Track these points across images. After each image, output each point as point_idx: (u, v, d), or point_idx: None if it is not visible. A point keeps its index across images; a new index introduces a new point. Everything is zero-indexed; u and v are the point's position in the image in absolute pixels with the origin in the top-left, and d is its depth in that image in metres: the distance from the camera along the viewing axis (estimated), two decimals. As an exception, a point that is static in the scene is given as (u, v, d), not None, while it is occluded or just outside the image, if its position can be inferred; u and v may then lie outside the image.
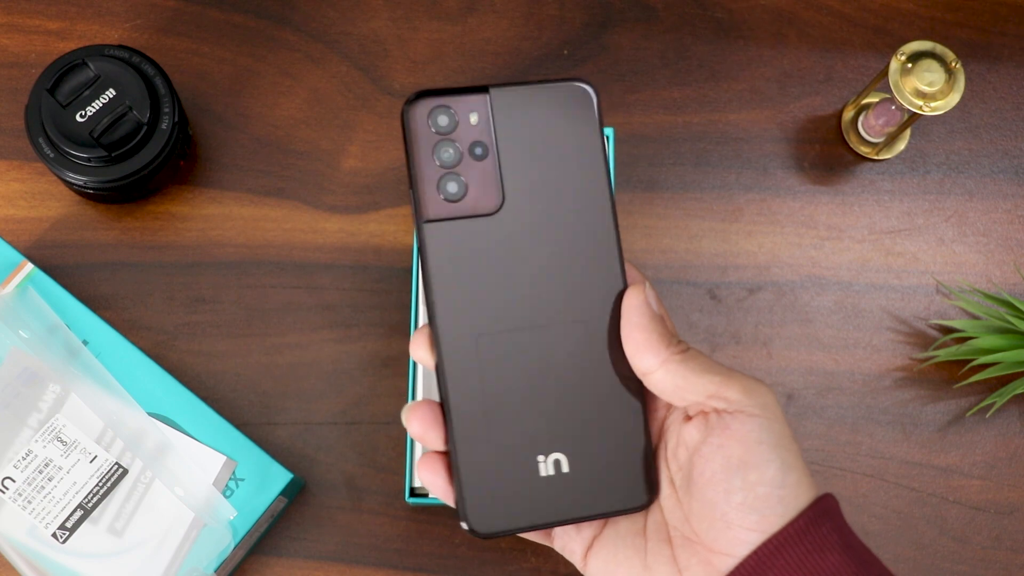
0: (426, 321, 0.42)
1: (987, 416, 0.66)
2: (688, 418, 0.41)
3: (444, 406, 0.41)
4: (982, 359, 0.64)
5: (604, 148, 0.43)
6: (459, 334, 0.41)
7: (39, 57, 0.67)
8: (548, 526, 0.41)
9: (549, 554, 0.63)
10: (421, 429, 0.41)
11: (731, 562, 0.39)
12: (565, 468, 0.41)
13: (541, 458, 0.41)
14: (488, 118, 0.42)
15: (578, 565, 0.43)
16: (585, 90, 0.43)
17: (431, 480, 0.41)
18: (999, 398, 0.65)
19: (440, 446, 0.41)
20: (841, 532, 0.40)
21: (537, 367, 0.42)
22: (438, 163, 0.42)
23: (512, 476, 0.41)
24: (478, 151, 0.42)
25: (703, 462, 0.40)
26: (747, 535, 0.39)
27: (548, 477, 0.41)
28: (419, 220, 0.41)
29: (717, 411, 0.40)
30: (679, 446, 0.41)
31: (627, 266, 0.44)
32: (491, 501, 0.41)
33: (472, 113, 0.42)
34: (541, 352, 0.42)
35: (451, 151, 0.42)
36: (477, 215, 0.42)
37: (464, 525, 0.41)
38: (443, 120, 0.42)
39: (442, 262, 0.41)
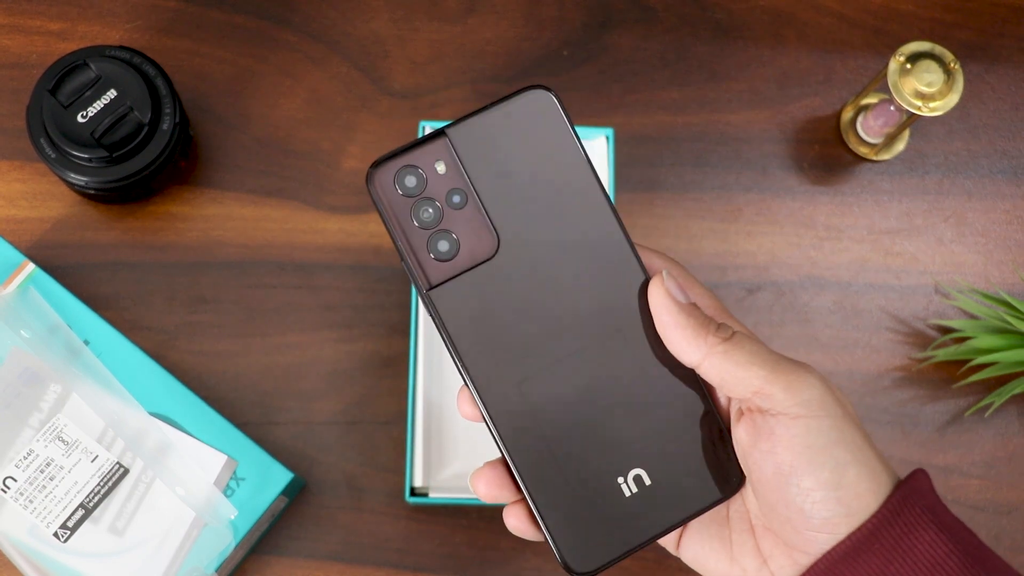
0: (462, 383, 0.41)
1: (986, 416, 0.66)
2: (740, 414, 0.40)
3: (507, 460, 0.40)
4: (981, 359, 0.64)
5: (582, 148, 0.41)
6: (500, 388, 0.40)
7: (40, 58, 0.67)
8: (648, 543, 0.40)
9: (550, 553, 0.63)
10: (489, 491, 0.40)
11: (809, 559, 0.39)
12: (647, 481, 0.40)
13: (621, 479, 0.40)
14: (455, 162, 0.40)
15: (673, 552, 0.43)
16: (544, 95, 0.40)
17: (522, 529, 0.41)
18: (998, 398, 0.65)
19: (514, 500, 0.41)
20: (934, 511, 0.38)
21: (588, 391, 0.40)
22: (420, 226, 0.40)
23: (598, 506, 0.40)
24: (456, 199, 0.40)
25: (757, 468, 0.39)
26: (816, 536, 0.38)
27: (634, 495, 0.40)
28: (421, 291, 0.40)
29: (762, 411, 0.38)
30: (736, 443, 0.40)
31: (645, 252, 0.42)
32: (586, 538, 0.40)
33: (437, 163, 0.40)
34: (587, 374, 0.40)
35: (430, 210, 0.40)
36: (477, 264, 0.40)
37: (565, 569, 0.40)
38: (410, 181, 0.39)
39: (459, 323, 0.40)
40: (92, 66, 0.61)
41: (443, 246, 0.40)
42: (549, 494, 0.40)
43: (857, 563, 0.38)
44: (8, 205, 0.65)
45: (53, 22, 0.68)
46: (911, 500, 0.38)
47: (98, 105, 0.61)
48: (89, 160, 0.61)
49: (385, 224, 0.40)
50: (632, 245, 0.41)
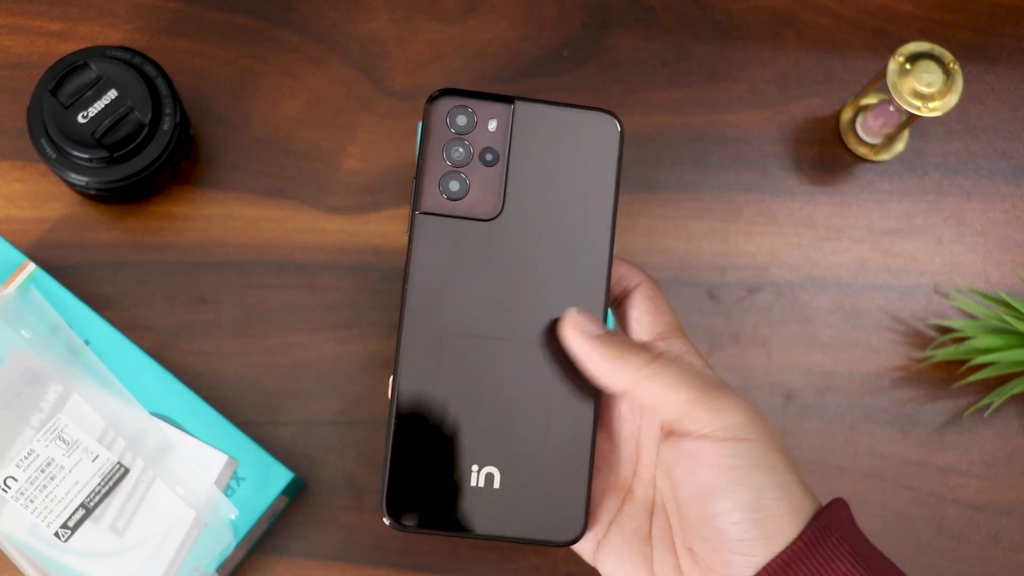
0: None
1: (985, 416, 0.67)
2: (668, 433, 0.41)
3: (392, 392, 0.41)
4: (980, 359, 0.64)
5: (618, 182, 0.43)
6: (424, 329, 0.41)
7: (41, 58, 0.67)
8: (466, 536, 0.41)
9: (550, 553, 0.63)
10: None
11: None
12: (496, 484, 0.41)
13: (476, 467, 0.41)
14: (507, 128, 0.42)
15: (589, 562, 0.43)
16: (611, 121, 0.43)
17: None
18: (997, 398, 0.65)
19: None
20: (852, 542, 0.39)
21: (493, 378, 0.41)
22: (446, 159, 0.42)
23: (441, 478, 0.41)
24: (488, 157, 0.42)
25: (679, 487, 0.40)
26: (734, 558, 0.38)
27: (477, 488, 0.41)
28: (414, 210, 0.42)
29: (688, 432, 0.39)
30: (659, 465, 0.41)
31: (624, 265, 0.44)
32: (413, 496, 0.41)
33: (492, 120, 0.42)
34: (501, 364, 0.42)
35: (461, 151, 0.42)
36: (472, 218, 0.42)
37: (381, 513, 0.41)
38: (462, 120, 0.42)
39: (426, 255, 0.42)
40: (93, 66, 0.61)
41: (453, 185, 0.42)
42: (408, 440, 0.41)
43: None
44: (9, 205, 0.65)
45: (54, 23, 0.68)
46: (828, 530, 0.39)
47: (99, 105, 0.61)
48: (90, 160, 0.61)
49: (420, 142, 0.42)
50: (608, 286, 0.42)
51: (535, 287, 0.42)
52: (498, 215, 0.42)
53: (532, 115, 0.43)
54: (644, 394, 0.40)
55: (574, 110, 0.43)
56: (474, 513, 0.41)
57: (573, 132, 0.43)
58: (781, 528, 0.38)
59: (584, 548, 0.43)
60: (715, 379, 0.40)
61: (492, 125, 0.42)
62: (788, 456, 0.40)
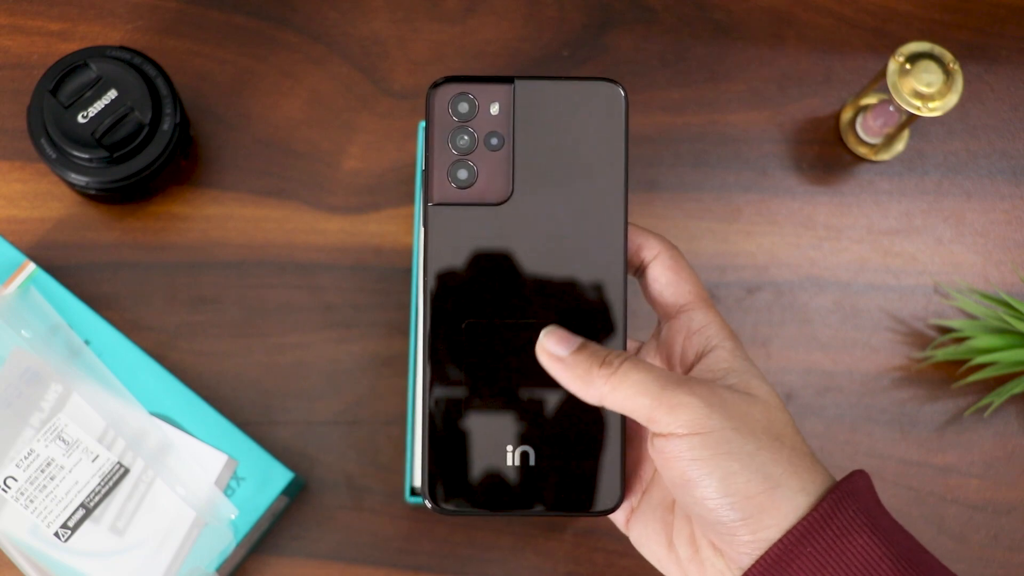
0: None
1: (985, 416, 0.67)
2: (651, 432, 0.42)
3: (423, 380, 0.42)
4: (980, 359, 0.64)
5: (626, 151, 0.42)
6: (448, 317, 0.42)
7: (41, 58, 0.67)
8: (506, 515, 0.42)
9: (550, 553, 0.63)
10: None
11: (732, 552, 0.40)
12: (531, 462, 0.42)
13: (509, 448, 0.42)
14: (509, 109, 0.42)
15: (622, 530, 0.44)
16: (614, 90, 0.42)
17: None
18: (997, 398, 0.65)
19: None
20: (870, 513, 0.39)
21: (518, 359, 0.42)
22: (452, 149, 0.42)
23: (479, 460, 0.42)
24: (493, 141, 0.42)
25: (666, 479, 0.41)
26: (731, 538, 0.39)
27: (513, 468, 0.42)
28: (426, 202, 0.42)
29: (656, 434, 0.40)
30: (652, 457, 0.42)
31: (644, 234, 0.44)
32: (454, 480, 0.42)
33: (494, 103, 0.42)
34: (524, 345, 0.42)
35: (466, 138, 0.42)
36: (484, 204, 0.42)
37: (422, 498, 0.41)
38: (463, 107, 0.42)
39: (442, 245, 0.42)
40: (93, 66, 0.61)
41: (462, 174, 0.42)
42: (444, 425, 0.42)
43: (790, 568, 0.38)
44: (9, 205, 0.65)
45: (54, 23, 0.68)
46: (845, 503, 0.39)
47: (99, 105, 0.61)
48: (90, 160, 0.61)
49: (426, 133, 0.43)
50: (626, 260, 0.43)
51: (552, 266, 0.42)
52: (508, 198, 0.42)
53: (534, 93, 0.42)
54: (613, 406, 0.41)
55: (575, 82, 0.42)
56: (512, 492, 0.42)
57: (576, 105, 0.42)
58: (763, 507, 0.39)
59: (618, 517, 0.44)
60: (673, 378, 0.40)
61: (494, 108, 0.42)
62: (766, 438, 0.40)
